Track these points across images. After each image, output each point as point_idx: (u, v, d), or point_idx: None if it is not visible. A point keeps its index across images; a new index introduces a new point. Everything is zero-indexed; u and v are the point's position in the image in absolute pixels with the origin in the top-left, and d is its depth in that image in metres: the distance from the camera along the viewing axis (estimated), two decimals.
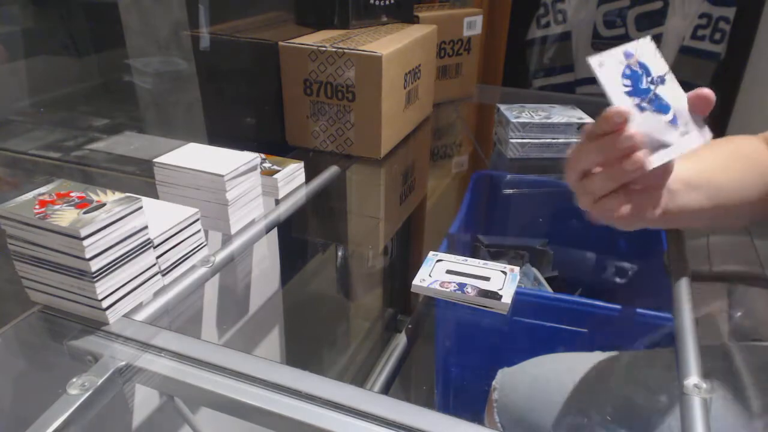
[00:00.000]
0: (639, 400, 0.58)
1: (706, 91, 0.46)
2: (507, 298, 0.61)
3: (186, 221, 0.58)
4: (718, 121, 1.73)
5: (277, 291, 0.91)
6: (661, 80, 0.47)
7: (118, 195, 0.52)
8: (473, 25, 1.27)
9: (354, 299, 1.39)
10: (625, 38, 1.66)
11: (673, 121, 0.46)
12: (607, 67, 0.45)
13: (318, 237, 1.06)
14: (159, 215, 0.57)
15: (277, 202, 0.75)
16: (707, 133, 0.47)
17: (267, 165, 0.76)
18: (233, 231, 0.66)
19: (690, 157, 0.49)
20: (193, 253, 0.60)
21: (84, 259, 0.47)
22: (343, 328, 1.38)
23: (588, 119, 1.02)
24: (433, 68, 1.18)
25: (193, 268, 0.60)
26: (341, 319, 1.36)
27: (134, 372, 0.48)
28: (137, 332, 0.51)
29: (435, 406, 0.93)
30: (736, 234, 0.86)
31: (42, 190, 0.52)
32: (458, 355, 0.89)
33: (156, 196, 0.67)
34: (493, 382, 0.67)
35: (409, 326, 0.67)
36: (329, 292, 1.27)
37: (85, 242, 0.47)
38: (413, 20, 1.16)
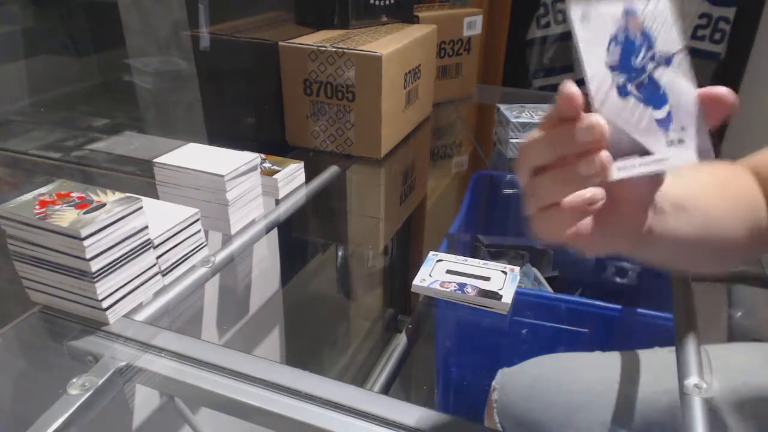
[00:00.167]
0: (639, 400, 0.58)
1: (724, 92, 0.32)
2: (507, 298, 0.61)
3: (186, 221, 0.58)
4: None
5: (277, 291, 0.91)
6: (667, 60, 0.33)
7: (119, 195, 0.52)
8: (473, 25, 1.27)
9: (354, 299, 1.39)
10: None
11: (665, 122, 0.33)
12: (593, 24, 0.32)
13: (318, 237, 1.06)
14: (159, 215, 0.57)
15: (277, 202, 0.75)
16: (708, 149, 0.34)
17: (267, 165, 0.76)
18: (233, 231, 0.66)
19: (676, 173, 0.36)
20: (193, 254, 0.60)
21: (84, 259, 0.47)
22: (343, 328, 1.38)
23: None
24: (433, 68, 1.18)
25: (193, 268, 0.60)
26: (341, 319, 1.36)
27: (134, 372, 0.48)
28: (137, 332, 0.51)
29: (435, 406, 0.94)
30: None
31: (42, 190, 0.52)
32: (458, 355, 0.89)
33: (156, 197, 0.67)
34: (493, 383, 0.67)
35: (410, 326, 0.67)
36: (329, 292, 1.27)
37: (86, 242, 0.47)
38: (413, 20, 1.16)
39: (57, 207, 0.49)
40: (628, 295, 0.98)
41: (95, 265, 0.48)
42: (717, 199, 0.43)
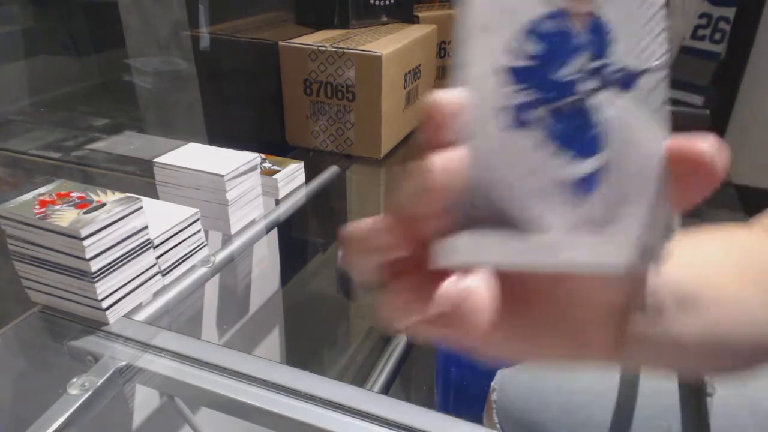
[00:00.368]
0: (638, 400, 0.58)
1: (706, 149, 0.18)
2: None
3: (186, 221, 0.58)
4: (719, 122, 1.74)
5: (277, 291, 0.91)
6: (625, 81, 0.18)
7: (118, 195, 0.52)
8: None
9: (354, 299, 1.39)
10: None
11: (587, 183, 0.18)
12: (492, 5, 0.17)
13: (318, 237, 1.06)
14: (159, 215, 0.57)
15: (277, 202, 0.75)
16: (659, 244, 0.19)
17: (267, 165, 0.76)
18: (233, 231, 0.67)
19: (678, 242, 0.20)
20: (193, 253, 0.60)
21: (84, 259, 0.47)
22: (343, 328, 1.38)
23: None
24: (433, 68, 1.18)
25: (193, 268, 0.60)
26: (341, 319, 1.36)
27: (134, 372, 0.48)
28: (137, 332, 0.51)
29: (435, 406, 0.94)
30: None
31: (42, 190, 0.52)
32: (458, 355, 0.89)
33: (156, 196, 0.67)
34: (492, 383, 0.67)
35: None
36: (329, 292, 1.27)
37: (86, 242, 0.47)
38: (413, 20, 1.16)
39: (57, 207, 0.49)
40: None
41: (95, 265, 0.48)
42: (738, 283, 0.28)
